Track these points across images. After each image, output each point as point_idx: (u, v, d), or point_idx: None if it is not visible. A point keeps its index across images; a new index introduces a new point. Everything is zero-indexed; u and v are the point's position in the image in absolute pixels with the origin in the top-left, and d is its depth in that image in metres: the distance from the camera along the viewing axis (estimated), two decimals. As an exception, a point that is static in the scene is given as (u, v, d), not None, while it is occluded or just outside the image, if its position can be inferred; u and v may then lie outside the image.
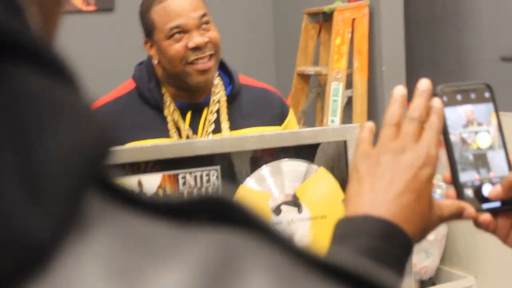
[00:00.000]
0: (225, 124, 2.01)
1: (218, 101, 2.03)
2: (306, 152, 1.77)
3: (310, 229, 1.76)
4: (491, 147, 0.89)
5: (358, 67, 3.54)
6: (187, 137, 2.00)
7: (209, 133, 2.00)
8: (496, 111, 0.90)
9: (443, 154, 0.86)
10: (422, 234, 0.83)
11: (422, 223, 0.82)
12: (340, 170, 1.78)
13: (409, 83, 3.60)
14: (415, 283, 3.42)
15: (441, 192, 3.10)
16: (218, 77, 2.05)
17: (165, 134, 1.98)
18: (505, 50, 3.49)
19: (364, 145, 0.86)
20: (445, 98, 0.88)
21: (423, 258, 3.41)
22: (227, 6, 4.41)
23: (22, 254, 0.27)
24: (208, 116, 2.02)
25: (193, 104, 2.02)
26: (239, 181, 1.76)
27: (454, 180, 0.88)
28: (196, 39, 1.94)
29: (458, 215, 0.86)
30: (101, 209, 0.31)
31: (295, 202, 1.76)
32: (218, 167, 1.74)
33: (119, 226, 0.30)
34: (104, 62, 4.18)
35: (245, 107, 2.05)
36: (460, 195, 0.87)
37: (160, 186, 1.72)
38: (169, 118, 2.00)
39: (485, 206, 0.87)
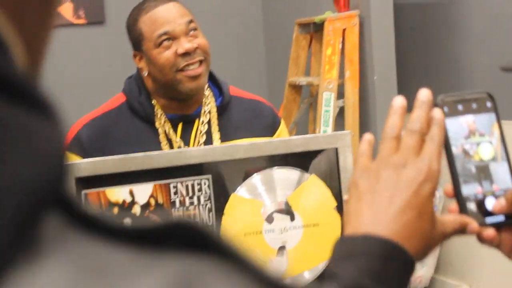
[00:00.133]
0: (216, 135, 2.01)
1: (209, 112, 2.03)
2: (298, 161, 1.77)
3: (303, 237, 1.76)
4: (493, 159, 0.86)
5: (349, 77, 3.55)
6: (179, 148, 2.00)
7: (200, 144, 2.00)
8: (499, 121, 0.87)
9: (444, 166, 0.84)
10: (425, 252, 0.81)
11: (424, 241, 0.79)
12: (333, 187, 1.77)
13: (401, 92, 3.60)
14: (410, 292, 3.41)
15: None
16: (208, 89, 2.06)
17: (157, 146, 1.97)
18: (497, 58, 3.49)
19: (363, 159, 0.83)
20: (446, 109, 0.85)
21: (418, 267, 3.39)
22: (218, 17, 4.41)
23: None
24: (199, 127, 2.01)
25: (184, 115, 2.02)
26: (231, 190, 1.75)
27: (457, 194, 0.85)
28: (185, 44, 1.95)
29: (461, 230, 0.83)
30: (56, 237, 0.30)
31: (287, 210, 1.76)
32: (209, 176, 1.73)
33: (73, 254, 0.30)
34: (95, 75, 4.18)
35: (236, 119, 2.05)
36: (462, 209, 0.84)
37: (152, 196, 1.71)
38: (160, 130, 2.00)
39: (489, 220, 0.84)
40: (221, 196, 1.74)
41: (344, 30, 3.56)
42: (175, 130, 2.01)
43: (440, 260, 3.50)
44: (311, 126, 3.86)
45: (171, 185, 1.71)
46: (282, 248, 1.76)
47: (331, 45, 3.56)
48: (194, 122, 2.02)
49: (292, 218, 1.75)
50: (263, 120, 2.09)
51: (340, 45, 3.55)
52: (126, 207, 1.69)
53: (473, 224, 0.83)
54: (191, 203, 1.73)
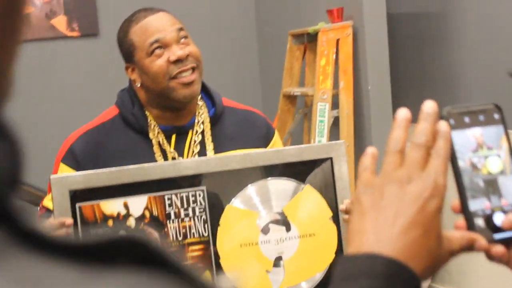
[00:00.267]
0: (209, 145, 2.00)
1: (203, 122, 2.03)
2: (293, 172, 1.76)
3: (299, 248, 1.75)
4: (502, 172, 0.83)
5: (343, 87, 3.55)
6: (173, 159, 1.99)
7: (195, 155, 2.00)
8: (507, 133, 0.84)
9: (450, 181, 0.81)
10: (431, 270, 0.77)
11: (431, 259, 0.76)
12: (329, 197, 1.77)
13: (395, 102, 3.61)
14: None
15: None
16: (201, 100, 2.05)
17: (151, 157, 1.97)
18: (491, 67, 3.50)
19: (366, 174, 0.80)
20: (452, 121, 0.82)
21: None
22: (212, 28, 4.42)
23: None
24: (193, 137, 2.01)
25: (178, 127, 2.02)
26: (226, 201, 1.74)
27: (464, 209, 0.82)
28: (177, 52, 1.96)
29: (469, 247, 0.80)
30: None
31: (283, 220, 1.75)
32: (204, 188, 1.72)
33: (8, 268, 0.29)
34: (89, 87, 4.18)
35: (229, 129, 2.05)
36: (470, 226, 0.81)
37: (146, 208, 1.70)
38: (154, 141, 1.99)
39: (497, 236, 0.81)
40: (216, 207, 1.73)
41: (338, 40, 3.56)
42: (169, 141, 2.00)
43: (436, 269, 3.49)
44: (305, 137, 3.86)
45: (166, 197, 1.70)
46: (278, 259, 1.75)
47: (325, 56, 3.56)
48: (187, 133, 2.02)
49: (288, 229, 1.74)
50: (257, 130, 2.08)
51: (334, 56, 3.55)
52: (121, 219, 1.68)
53: (481, 240, 0.80)
54: (186, 215, 1.72)
